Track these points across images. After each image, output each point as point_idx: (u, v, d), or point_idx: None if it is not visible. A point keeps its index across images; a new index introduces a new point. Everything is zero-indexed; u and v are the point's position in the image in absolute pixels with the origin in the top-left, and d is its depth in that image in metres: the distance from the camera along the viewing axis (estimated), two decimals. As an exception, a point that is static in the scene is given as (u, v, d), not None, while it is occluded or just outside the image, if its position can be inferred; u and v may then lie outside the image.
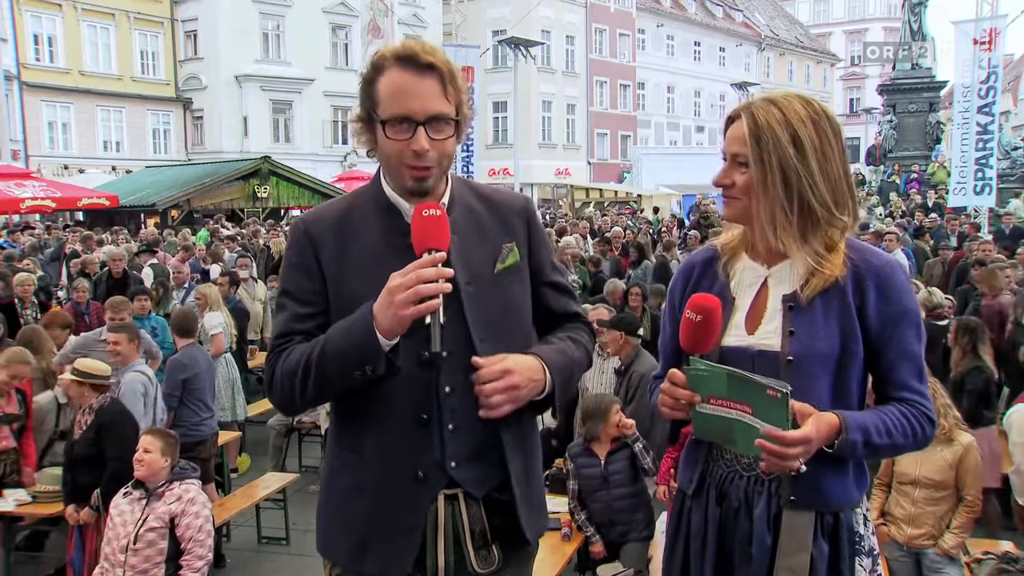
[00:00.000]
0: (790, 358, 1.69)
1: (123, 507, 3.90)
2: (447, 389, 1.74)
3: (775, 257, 1.79)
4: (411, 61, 1.68)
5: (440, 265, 1.59)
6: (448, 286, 1.59)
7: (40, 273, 9.96)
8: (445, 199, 1.80)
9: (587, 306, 6.87)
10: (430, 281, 1.57)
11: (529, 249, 1.88)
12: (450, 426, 1.74)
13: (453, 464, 1.75)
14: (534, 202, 2.00)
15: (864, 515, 1.79)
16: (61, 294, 10.39)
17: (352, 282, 1.66)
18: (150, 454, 3.84)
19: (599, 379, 5.49)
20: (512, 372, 1.69)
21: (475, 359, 1.69)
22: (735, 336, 1.77)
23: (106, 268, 9.78)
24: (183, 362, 5.58)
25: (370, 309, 1.62)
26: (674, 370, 1.71)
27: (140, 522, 3.81)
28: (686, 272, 1.94)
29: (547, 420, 5.56)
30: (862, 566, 1.75)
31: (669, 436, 4.35)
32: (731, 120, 1.77)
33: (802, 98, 1.75)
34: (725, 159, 1.78)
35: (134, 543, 3.76)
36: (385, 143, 1.71)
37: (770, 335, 1.73)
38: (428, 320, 1.58)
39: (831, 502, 1.72)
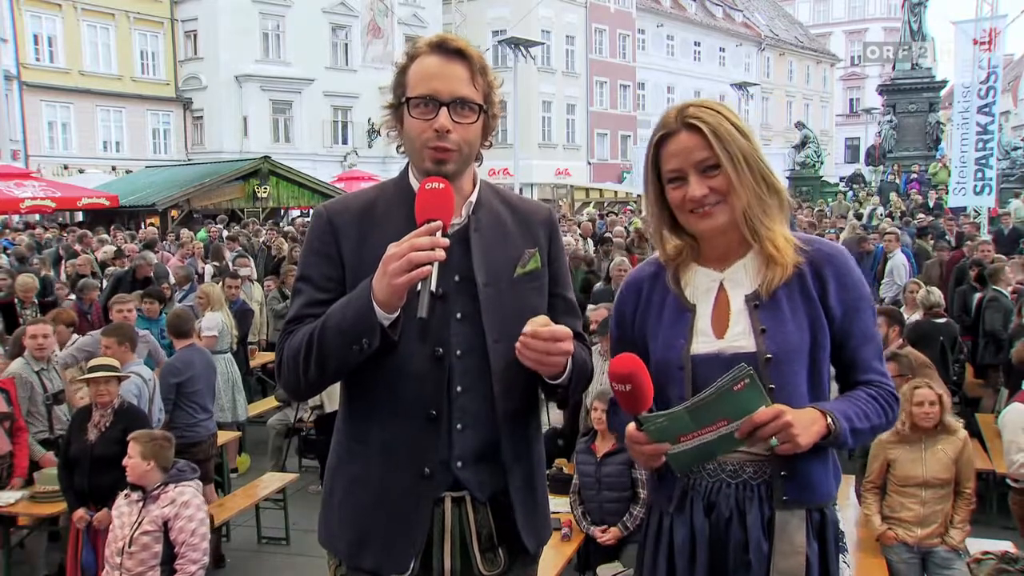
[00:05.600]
0: (768, 356, 1.68)
1: (122, 509, 3.89)
2: (458, 388, 1.74)
3: (726, 260, 1.77)
4: (441, 46, 1.72)
5: (438, 234, 1.58)
6: (441, 254, 1.56)
7: (46, 273, 9.98)
8: (473, 198, 1.81)
9: (589, 306, 6.87)
10: (425, 249, 1.55)
11: (548, 259, 1.88)
12: (459, 426, 1.74)
13: (459, 464, 1.75)
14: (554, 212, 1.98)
15: (840, 513, 1.79)
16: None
17: (371, 272, 1.63)
18: (132, 459, 3.82)
19: (604, 367, 5.48)
20: (570, 342, 1.67)
21: (538, 319, 1.65)
22: (704, 343, 1.73)
23: (113, 267, 9.81)
24: (176, 366, 5.57)
25: (369, 283, 1.62)
26: (632, 431, 1.64)
27: (136, 525, 3.79)
28: (634, 289, 1.87)
29: (553, 419, 5.56)
30: (846, 563, 1.75)
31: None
32: (665, 137, 1.71)
33: (710, 100, 1.77)
34: (678, 178, 1.70)
35: (129, 546, 3.74)
36: (409, 124, 1.72)
37: (740, 336, 1.71)
38: (419, 287, 1.56)
39: (820, 497, 1.72)
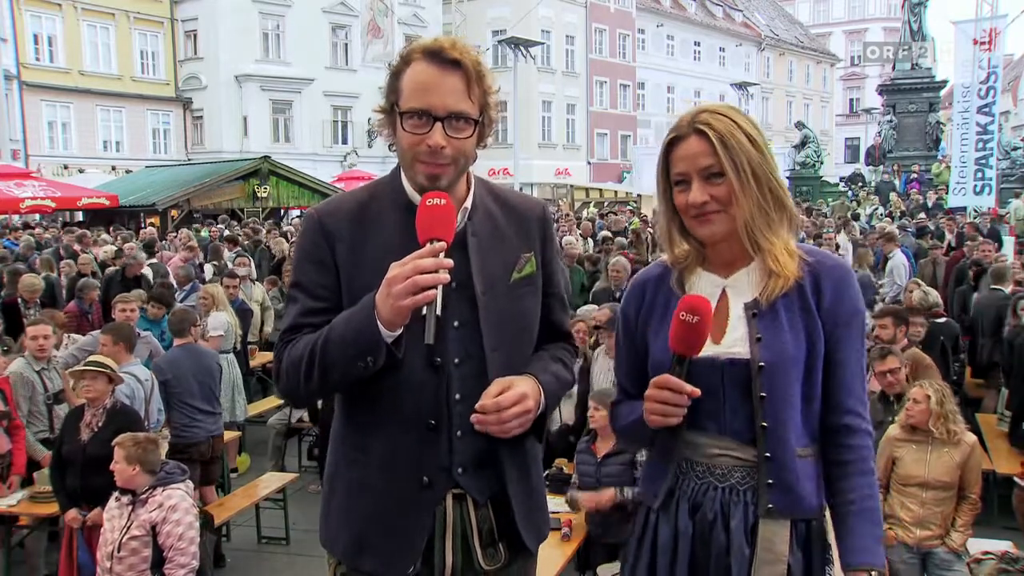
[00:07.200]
0: (761, 364, 1.68)
1: (113, 512, 3.86)
2: (457, 396, 1.73)
3: (731, 267, 1.77)
4: (438, 56, 1.67)
5: (442, 255, 1.56)
6: (446, 276, 1.56)
7: (47, 272, 9.98)
8: (468, 202, 1.79)
9: (591, 306, 6.86)
10: (429, 271, 1.54)
11: (543, 258, 1.87)
12: (458, 433, 1.74)
13: (460, 470, 1.75)
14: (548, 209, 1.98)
15: (829, 525, 1.78)
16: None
17: (366, 278, 1.64)
18: (117, 464, 3.79)
19: (603, 376, 5.47)
20: (527, 396, 1.69)
21: (488, 395, 1.68)
22: None
23: (120, 268, 9.81)
24: (159, 366, 5.54)
25: (372, 300, 1.60)
26: (665, 376, 1.66)
27: (124, 529, 3.77)
28: (639, 289, 1.87)
29: (565, 415, 5.55)
30: (830, 574, 1.74)
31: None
32: (676, 140, 1.72)
33: (729, 107, 1.76)
34: (683, 182, 1.71)
35: (118, 551, 3.72)
36: (402, 135, 1.69)
37: (737, 343, 1.71)
38: (424, 311, 1.56)
39: (806, 508, 1.71)
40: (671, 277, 1.82)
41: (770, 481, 1.68)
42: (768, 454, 1.68)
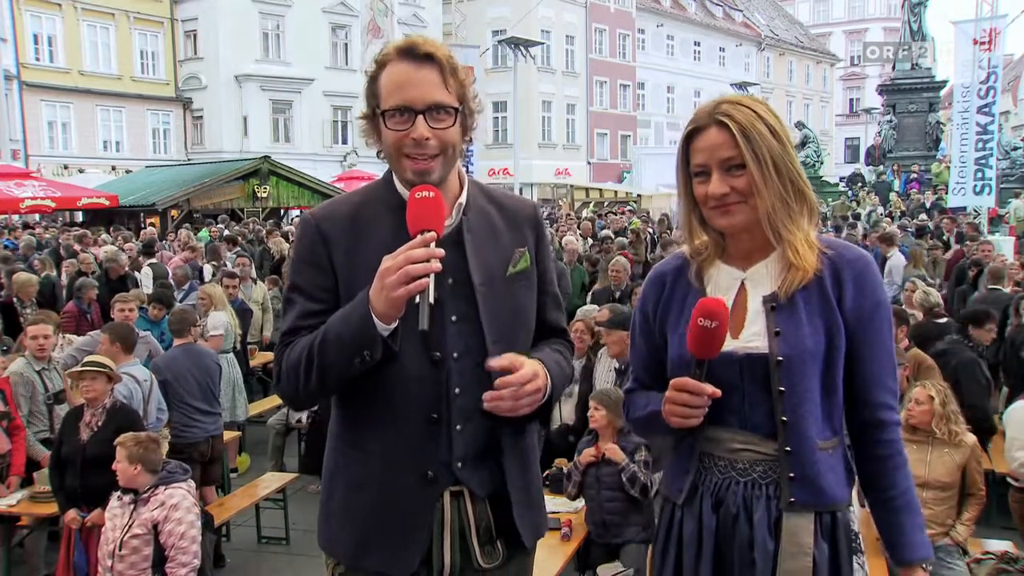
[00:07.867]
0: (780, 358, 1.67)
1: (115, 511, 3.86)
2: (457, 390, 1.74)
3: (750, 259, 1.77)
4: (410, 53, 1.71)
5: (433, 246, 1.58)
6: (438, 265, 1.57)
7: (47, 272, 9.96)
8: (463, 199, 1.81)
9: (591, 306, 6.86)
10: (420, 261, 1.56)
11: (536, 256, 1.89)
12: (458, 426, 1.75)
13: (459, 464, 1.76)
14: (539, 207, 2.00)
15: (855, 515, 1.79)
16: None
17: (363, 280, 1.65)
18: (119, 463, 3.80)
19: (606, 376, 5.48)
20: (540, 374, 1.70)
21: (503, 358, 1.68)
22: None
23: (103, 269, 9.79)
24: (157, 365, 5.54)
25: (366, 295, 1.62)
26: (682, 379, 1.67)
27: (126, 528, 3.77)
28: (658, 282, 1.88)
29: (565, 415, 5.55)
30: (859, 563, 1.75)
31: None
32: (696, 131, 1.71)
33: (750, 97, 1.76)
34: (702, 173, 1.70)
35: (119, 549, 3.72)
36: (386, 134, 1.72)
37: (755, 337, 1.71)
38: (417, 300, 1.58)
39: (829, 501, 1.71)
40: (690, 270, 1.82)
41: (791, 475, 1.68)
42: (788, 448, 1.68)
